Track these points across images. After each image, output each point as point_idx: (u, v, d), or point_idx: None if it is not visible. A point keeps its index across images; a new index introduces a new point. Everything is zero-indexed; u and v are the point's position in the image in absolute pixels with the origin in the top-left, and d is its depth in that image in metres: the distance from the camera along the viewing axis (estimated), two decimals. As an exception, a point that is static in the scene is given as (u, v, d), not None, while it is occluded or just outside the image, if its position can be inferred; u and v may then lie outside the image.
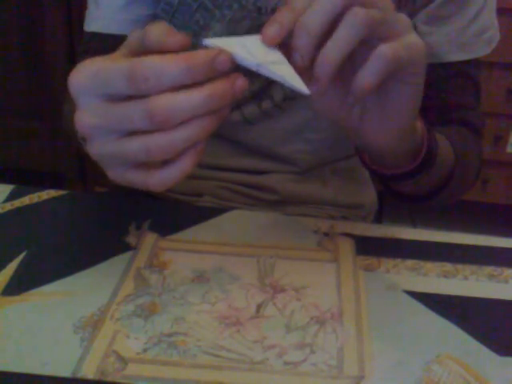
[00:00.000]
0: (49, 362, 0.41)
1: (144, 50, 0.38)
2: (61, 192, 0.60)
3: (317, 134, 0.76)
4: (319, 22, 0.39)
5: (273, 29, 0.39)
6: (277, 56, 0.39)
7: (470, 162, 0.69)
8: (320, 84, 0.40)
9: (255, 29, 0.66)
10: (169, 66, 0.37)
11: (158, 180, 0.39)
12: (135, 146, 0.38)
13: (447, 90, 0.71)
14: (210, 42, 0.39)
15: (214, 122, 0.38)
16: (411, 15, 0.68)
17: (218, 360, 0.42)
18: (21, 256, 0.51)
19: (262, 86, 0.72)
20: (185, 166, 0.39)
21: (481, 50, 0.70)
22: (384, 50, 0.39)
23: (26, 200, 0.58)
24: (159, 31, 0.39)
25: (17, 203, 0.58)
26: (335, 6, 0.39)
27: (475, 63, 0.71)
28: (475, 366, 0.43)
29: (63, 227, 0.55)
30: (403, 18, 0.42)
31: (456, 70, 0.70)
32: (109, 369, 0.41)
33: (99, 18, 0.68)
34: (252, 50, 0.38)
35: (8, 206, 0.57)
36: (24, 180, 0.69)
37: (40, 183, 0.64)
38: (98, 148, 0.39)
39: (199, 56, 0.38)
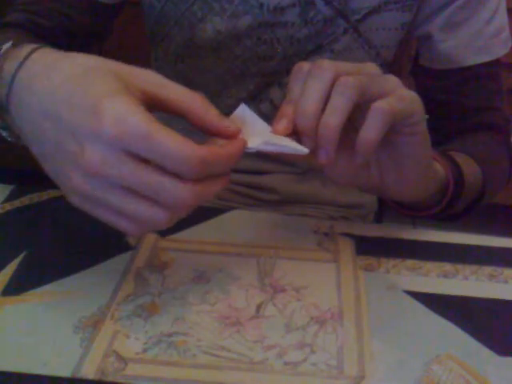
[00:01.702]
0: (49, 362, 0.41)
1: (176, 111, 0.40)
2: (61, 192, 0.60)
3: None
4: (315, 106, 0.42)
5: (282, 124, 0.43)
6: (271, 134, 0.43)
7: (497, 171, 0.68)
8: (328, 151, 0.42)
9: (256, 25, 0.66)
10: (221, 163, 0.39)
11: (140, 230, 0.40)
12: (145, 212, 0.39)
13: (466, 93, 0.71)
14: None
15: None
16: (426, 20, 0.68)
17: (218, 360, 0.42)
18: (21, 256, 0.51)
19: (261, 88, 0.71)
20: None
21: (498, 51, 0.69)
22: (379, 104, 0.41)
23: (25, 200, 0.58)
24: (215, 115, 0.40)
25: (17, 203, 0.58)
26: (325, 84, 0.42)
27: (494, 63, 0.70)
28: (475, 366, 0.43)
29: (63, 227, 0.55)
30: (392, 77, 0.44)
31: (475, 73, 0.70)
32: (109, 369, 0.41)
33: None
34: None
35: (8, 206, 0.57)
36: (24, 180, 0.69)
37: (40, 183, 0.64)
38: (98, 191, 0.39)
39: (239, 151, 0.40)
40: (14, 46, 0.46)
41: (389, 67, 0.72)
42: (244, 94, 0.72)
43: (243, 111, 0.43)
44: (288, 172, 0.75)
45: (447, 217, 0.58)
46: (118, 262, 0.51)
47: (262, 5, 0.65)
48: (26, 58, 0.42)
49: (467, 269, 0.53)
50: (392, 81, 0.44)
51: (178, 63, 0.72)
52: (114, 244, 0.53)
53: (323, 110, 0.42)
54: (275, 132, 0.43)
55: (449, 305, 0.48)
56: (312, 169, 0.75)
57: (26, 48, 0.43)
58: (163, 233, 0.55)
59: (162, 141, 0.36)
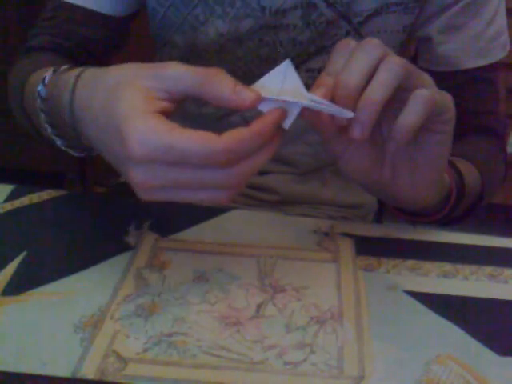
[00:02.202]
0: (49, 362, 0.41)
1: (196, 96, 0.40)
2: (61, 192, 0.60)
3: (318, 137, 0.75)
4: (360, 78, 0.42)
5: (320, 92, 0.42)
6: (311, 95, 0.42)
7: (495, 175, 0.68)
8: (364, 127, 0.41)
9: (257, 28, 0.66)
10: (249, 146, 0.40)
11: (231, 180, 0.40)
12: (203, 196, 0.40)
13: (465, 97, 0.71)
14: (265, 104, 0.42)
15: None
16: (427, 22, 0.68)
17: (218, 360, 0.42)
18: (21, 256, 0.51)
19: None
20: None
21: (497, 54, 0.69)
22: (423, 92, 0.41)
23: (25, 200, 0.58)
24: (226, 87, 0.40)
25: (17, 203, 0.58)
26: (373, 58, 0.42)
27: (492, 67, 0.70)
28: (475, 366, 0.43)
29: (63, 227, 0.55)
30: (427, 75, 0.44)
31: (473, 76, 0.70)
32: (109, 369, 0.41)
33: None
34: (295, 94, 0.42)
35: (8, 206, 0.57)
36: (24, 180, 0.69)
37: (40, 183, 0.64)
38: (155, 195, 0.41)
39: (268, 127, 0.41)
40: (56, 71, 0.50)
41: None
42: None
43: (286, 67, 0.43)
44: (288, 172, 0.75)
45: (445, 222, 0.59)
46: (118, 262, 0.51)
47: (263, 8, 0.65)
48: (77, 80, 0.45)
49: (467, 269, 0.53)
50: (428, 77, 0.44)
51: None
52: (114, 244, 0.53)
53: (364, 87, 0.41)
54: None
55: (449, 305, 0.48)
56: (313, 169, 0.75)
57: (74, 71, 0.46)
58: (163, 233, 0.55)
59: (185, 147, 0.37)
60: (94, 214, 0.58)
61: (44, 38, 0.68)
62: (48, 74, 0.50)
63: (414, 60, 0.73)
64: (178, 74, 0.40)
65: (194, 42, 0.68)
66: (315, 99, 0.41)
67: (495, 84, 0.71)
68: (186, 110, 0.76)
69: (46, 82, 0.50)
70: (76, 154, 0.52)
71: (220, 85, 0.40)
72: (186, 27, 0.67)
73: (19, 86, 0.59)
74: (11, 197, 0.59)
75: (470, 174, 0.60)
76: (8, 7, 1.68)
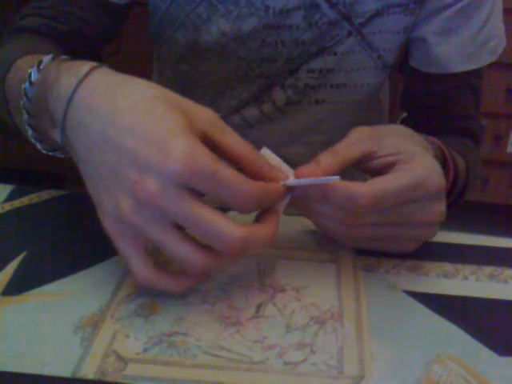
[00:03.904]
0: (49, 362, 0.41)
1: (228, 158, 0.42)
2: (61, 192, 0.60)
3: (317, 137, 0.76)
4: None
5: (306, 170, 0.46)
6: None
7: (476, 172, 0.69)
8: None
9: (260, 27, 0.66)
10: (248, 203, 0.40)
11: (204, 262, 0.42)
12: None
13: (451, 99, 0.72)
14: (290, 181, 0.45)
15: None
16: (422, 23, 0.68)
17: (218, 360, 0.42)
18: (21, 256, 0.51)
19: (263, 89, 0.71)
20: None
21: (485, 59, 0.70)
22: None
23: (25, 200, 0.58)
24: (267, 166, 0.43)
25: (17, 203, 0.58)
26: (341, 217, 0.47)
27: (477, 72, 0.71)
28: (475, 365, 0.43)
29: (63, 227, 0.55)
30: (437, 207, 0.48)
31: (460, 80, 0.71)
32: (109, 369, 0.41)
33: None
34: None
35: (8, 206, 0.57)
36: (24, 180, 0.69)
37: (40, 183, 0.64)
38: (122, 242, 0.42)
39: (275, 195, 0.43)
40: (63, 59, 0.46)
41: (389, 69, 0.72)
42: (247, 95, 0.72)
43: (265, 154, 0.45)
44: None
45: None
46: (118, 261, 0.51)
47: (267, 7, 0.65)
48: (86, 75, 0.42)
49: (467, 269, 0.53)
50: (433, 214, 0.48)
51: (182, 64, 0.72)
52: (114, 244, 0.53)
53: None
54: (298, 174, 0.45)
55: (449, 305, 0.48)
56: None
57: (85, 65, 0.43)
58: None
59: (226, 177, 0.38)
60: (94, 214, 0.58)
61: (37, 19, 0.65)
62: (46, 58, 0.46)
63: (404, 59, 0.73)
64: (221, 123, 0.42)
65: (195, 40, 0.68)
66: (296, 180, 0.44)
67: (479, 92, 0.74)
68: None
69: (41, 66, 0.45)
70: (44, 152, 0.50)
71: (259, 155, 0.42)
72: (188, 25, 0.67)
73: (3, 67, 0.54)
74: (11, 197, 0.59)
75: (459, 159, 0.61)
76: (8, 8, 1.68)
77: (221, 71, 0.70)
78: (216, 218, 0.39)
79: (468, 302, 0.49)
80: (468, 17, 0.67)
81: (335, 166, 0.46)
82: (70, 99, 0.42)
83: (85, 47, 0.68)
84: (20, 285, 0.48)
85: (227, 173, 0.38)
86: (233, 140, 0.42)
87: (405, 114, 0.78)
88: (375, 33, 0.67)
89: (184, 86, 0.74)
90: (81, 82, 0.41)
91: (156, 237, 0.40)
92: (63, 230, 0.55)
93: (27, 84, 0.46)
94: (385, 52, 0.69)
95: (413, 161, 0.46)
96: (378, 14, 0.66)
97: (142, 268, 0.42)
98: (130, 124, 0.39)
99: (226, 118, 0.74)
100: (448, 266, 0.53)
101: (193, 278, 0.44)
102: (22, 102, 0.47)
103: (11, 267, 0.50)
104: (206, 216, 0.38)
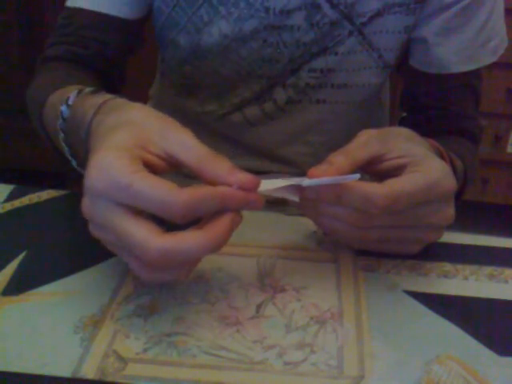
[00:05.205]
0: (49, 362, 0.41)
1: (193, 174, 0.41)
2: (61, 192, 0.60)
3: (318, 137, 0.76)
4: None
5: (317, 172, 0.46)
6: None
7: (473, 174, 0.69)
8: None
9: (261, 28, 0.66)
10: (208, 206, 0.39)
11: (149, 276, 0.41)
12: (129, 262, 0.41)
13: (450, 100, 0.72)
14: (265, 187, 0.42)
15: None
16: (423, 23, 0.68)
17: (217, 360, 0.42)
18: (21, 256, 0.51)
19: (265, 88, 0.71)
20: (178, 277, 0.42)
21: (485, 60, 0.70)
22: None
23: (25, 200, 0.58)
24: (224, 169, 0.40)
25: (17, 203, 0.58)
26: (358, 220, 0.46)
27: (477, 73, 0.71)
28: (475, 366, 0.43)
29: (63, 227, 0.55)
30: (448, 212, 0.48)
31: (459, 81, 0.71)
32: (109, 369, 0.41)
33: None
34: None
35: (8, 206, 0.57)
36: (24, 180, 0.69)
37: (40, 183, 0.64)
38: (96, 231, 0.42)
39: (233, 195, 0.40)
40: (86, 93, 0.51)
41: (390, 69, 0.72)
42: (249, 94, 0.72)
43: (266, 183, 0.43)
44: (288, 172, 0.75)
45: None
46: (118, 261, 0.51)
47: (267, 8, 0.65)
48: (102, 105, 0.46)
49: (467, 269, 0.53)
50: (441, 218, 0.48)
51: (185, 66, 0.72)
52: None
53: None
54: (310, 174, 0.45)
55: (449, 305, 0.48)
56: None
57: (99, 98, 0.48)
58: (163, 233, 0.55)
59: (142, 189, 0.37)
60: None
61: (60, 47, 0.69)
62: (73, 94, 0.51)
63: (404, 59, 0.73)
64: (184, 142, 0.41)
65: (197, 42, 0.68)
66: (313, 180, 0.44)
67: (478, 93, 0.74)
68: (188, 108, 0.76)
69: (70, 102, 0.51)
70: None
71: (218, 165, 0.40)
72: (190, 28, 0.68)
73: (39, 102, 0.60)
74: (11, 197, 0.59)
75: (457, 161, 0.61)
76: (8, 7, 1.68)
77: (224, 71, 0.70)
78: (135, 228, 0.38)
79: (468, 302, 0.49)
80: (468, 17, 0.67)
81: (347, 166, 0.46)
82: (89, 127, 0.46)
83: (108, 66, 0.71)
84: (20, 285, 0.48)
85: (144, 185, 0.37)
86: (179, 149, 0.40)
87: (404, 114, 0.78)
88: (376, 33, 0.67)
89: (188, 86, 0.75)
90: (91, 120, 0.46)
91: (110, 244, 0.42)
92: (63, 230, 0.55)
93: (61, 120, 0.52)
94: (386, 52, 0.69)
95: (424, 163, 0.46)
96: (379, 13, 0.66)
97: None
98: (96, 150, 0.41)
99: (227, 115, 0.74)
100: (448, 266, 0.53)
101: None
102: (60, 137, 0.53)
103: (11, 267, 0.50)
104: (124, 226, 0.38)
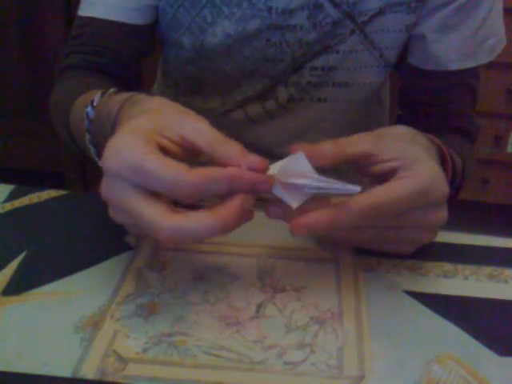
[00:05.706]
0: (49, 362, 0.41)
1: (206, 157, 0.42)
2: (61, 192, 0.60)
3: (320, 135, 0.76)
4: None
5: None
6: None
7: (470, 173, 0.70)
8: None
9: (264, 28, 0.66)
10: (216, 187, 0.40)
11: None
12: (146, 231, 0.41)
13: (448, 98, 0.72)
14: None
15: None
16: (422, 20, 0.68)
17: (218, 360, 0.42)
18: (21, 256, 0.51)
19: (267, 86, 0.72)
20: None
21: (483, 58, 0.70)
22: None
23: (25, 200, 0.58)
24: (236, 152, 0.41)
25: (17, 203, 0.58)
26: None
27: (474, 72, 0.71)
28: (475, 366, 0.43)
29: (63, 227, 0.55)
30: (441, 214, 0.48)
31: (457, 79, 0.71)
32: (109, 369, 0.41)
33: (100, 4, 0.68)
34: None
35: (8, 206, 0.57)
36: (24, 180, 0.69)
37: (40, 183, 0.64)
38: (114, 214, 0.44)
39: (242, 176, 0.41)
40: (109, 94, 0.53)
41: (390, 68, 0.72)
42: (252, 92, 0.73)
43: (300, 157, 0.44)
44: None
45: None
46: (118, 261, 0.51)
47: (270, 8, 0.65)
48: (125, 101, 0.48)
49: (467, 269, 0.53)
50: (435, 220, 0.48)
51: (189, 65, 0.73)
52: (114, 244, 0.53)
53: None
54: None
55: (449, 305, 0.48)
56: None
57: (122, 95, 0.50)
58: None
59: (154, 169, 0.38)
60: (94, 214, 0.58)
61: (77, 56, 0.70)
62: (97, 96, 0.53)
63: (403, 57, 0.74)
64: (199, 127, 0.42)
65: (201, 42, 0.69)
66: (321, 178, 0.43)
67: (475, 92, 0.74)
68: (191, 104, 0.76)
69: (94, 104, 0.53)
70: None
71: (229, 148, 0.42)
72: (193, 28, 0.68)
73: (64, 109, 0.62)
74: (11, 197, 0.59)
75: (457, 159, 0.61)
76: (8, 7, 1.68)
77: (228, 70, 0.71)
78: (148, 208, 0.39)
79: (468, 302, 0.49)
80: (467, 15, 0.67)
81: (331, 155, 0.46)
82: (113, 126, 0.48)
83: (124, 72, 0.71)
84: (20, 285, 0.48)
85: (155, 165, 0.38)
86: (194, 132, 0.42)
87: (399, 112, 0.79)
88: (377, 31, 0.67)
89: (192, 85, 0.75)
90: (116, 115, 0.48)
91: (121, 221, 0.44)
92: (63, 230, 0.55)
93: (87, 122, 0.53)
94: (387, 50, 0.69)
95: (415, 167, 0.46)
96: (380, 12, 0.66)
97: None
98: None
99: (229, 113, 0.75)
100: (448, 266, 0.53)
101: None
102: (86, 139, 0.55)
103: (11, 267, 0.50)
104: (136, 206, 0.39)
